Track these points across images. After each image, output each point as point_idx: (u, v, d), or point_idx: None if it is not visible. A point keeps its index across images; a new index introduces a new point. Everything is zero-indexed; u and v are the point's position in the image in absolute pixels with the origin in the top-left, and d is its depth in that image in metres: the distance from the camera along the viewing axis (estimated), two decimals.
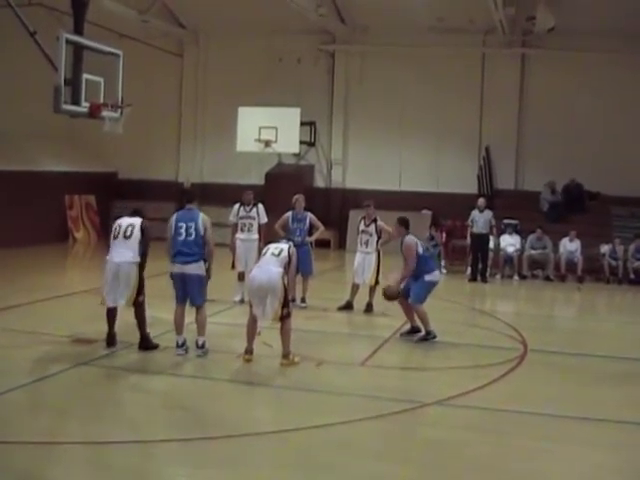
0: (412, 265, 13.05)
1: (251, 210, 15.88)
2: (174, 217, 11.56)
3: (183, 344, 11.45)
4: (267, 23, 26.42)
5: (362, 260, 15.51)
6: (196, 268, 11.38)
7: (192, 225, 11.37)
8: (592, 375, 11.57)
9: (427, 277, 13.08)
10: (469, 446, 8.37)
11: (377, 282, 15.37)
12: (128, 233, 11.55)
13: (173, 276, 11.48)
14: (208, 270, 11.56)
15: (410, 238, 13.28)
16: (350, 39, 27.45)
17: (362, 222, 15.63)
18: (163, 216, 28.20)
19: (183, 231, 11.37)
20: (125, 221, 11.74)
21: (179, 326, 11.51)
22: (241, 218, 15.88)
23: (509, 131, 26.28)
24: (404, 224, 13.46)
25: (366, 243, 15.49)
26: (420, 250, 13.21)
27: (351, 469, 7.73)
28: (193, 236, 11.35)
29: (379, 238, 15.40)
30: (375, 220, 15.47)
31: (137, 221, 11.66)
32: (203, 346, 11.47)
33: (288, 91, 26.52)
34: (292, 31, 26.69)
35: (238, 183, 23.16)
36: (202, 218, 11.48)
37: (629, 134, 25.00)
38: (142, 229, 11.51)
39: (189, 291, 11.42)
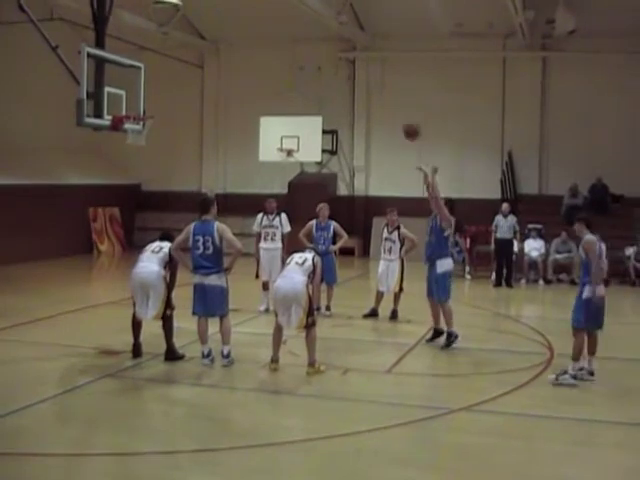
0: (446, 214, 13.09)
1: (274, 219, 15.90)
2: (192, 227, 11.55)
3: (209, 354, 11.48)
4: (287, 32, 26.49)
5: (386, 267, 15.49)
6: (216, 279, 11.40)
7: (209, 239, 11.34)
8: (619, 378, 11.48)
9: (439, 269, 13.04)
10: (497, 452, 8.35)
11: (401, 289, 15.37)
12: (156, 250, 11.69)
13: (195, 286, 11.52)
14: (230, 265, 11.54)
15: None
16: (370, 46, 27.43)
17: (385, 229, 15.62)
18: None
19: (200, 244, 11.37)
20: (155, 243, 11.90)
21: (203, 336, 11.53)
22: (264, 227, 15.91)
23: (531, 135, 26.18)
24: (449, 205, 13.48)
25: (389, 250, 15.46)
26: (448, 231, 13.25)
27: (380, 476, 7.73)
28: (211, 250, 11.36)
29: (402, 245, 15.38)
30: (398, 227, 15.45)
31: (166, 244, 11.79)
32: (228, 355, 11.49)
33: (309, 100, 26.53)
34: (312, 39, 26.72)
35: (261, 193, 23.17)
36: (217, 229, 11.42)
37: None
38: (171, 254, 11.59)
39: (208, 302, 11.43)
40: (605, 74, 24.97)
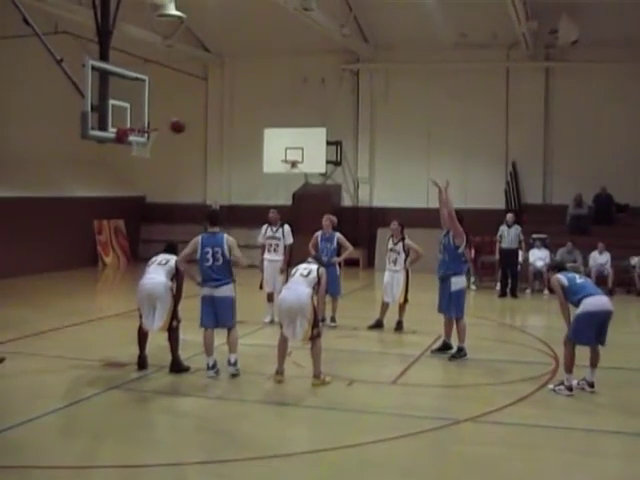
0: (459, 229, 13.00)
1: (277, 231, 15.94)
2: (199, 240, 11.55)
3: (214, 366, 11.47)
4: (291, 44, 26.57)
5: (391, 278, 15.48)
6: (226, 290, 11.42)
7: (219, 250, 11.36)
8: (624, 388, 11.49)
9: (453, 287, 13.01)
10: (503, 462, 8.33)
11: (406, 300, 15.35)
12: (163, 262, 11.72)
13: (203, 298, 11.52)
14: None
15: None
16: (374, 57, 27.52)
17: (391, 240, 15.62)
18: (191, 239, 28.46)
19: (210, 256, 11.37)
20: (161, 255, 11.92)
21: (209, 348, 11.51)
22: (268, 238, 15.96)
23: (535, 145, 26.21)
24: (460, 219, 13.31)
25: (394, 261, 15.45)
26: (462, 247, 13.22)
27: None
28: (220, 261, 11.37)
29: (407, 257, 15.36)
30: (403, 239, 15.44)
31: (173, 257, 11.82)
32: (235, 363, 11.50)
33: (313, 111, 26.61)
34: (316, 51, 26.80)
35: (266, 204, 23.20)
36: (227, 241, 11.44)
37: None
38: (177, 267, 11.62)
39: (219, 313, 11.42)
40: (608, 83, 25.01)
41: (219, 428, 9.50)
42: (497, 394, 10.95)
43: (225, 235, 11.54)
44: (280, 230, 15.93)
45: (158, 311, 11.39)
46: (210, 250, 11.38)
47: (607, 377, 11.29)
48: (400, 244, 15.40)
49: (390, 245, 15.57)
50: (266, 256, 15.89)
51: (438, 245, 13.41)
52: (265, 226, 16.10)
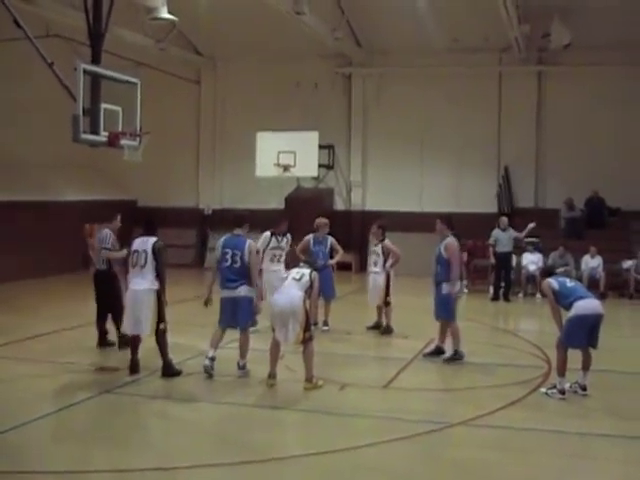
0: (457, 268, 13.00)
1: (282, 241, 15.29)
2: (221, 241, 11.74)
3: (213, 359, 11.52)
4: (283, 48, 26.54)
5: (373, 280, 15.46)
6: (246, 291, 11.52)
7: (238, 253, 11.47)
8: (616, 391, 11.50)
9: (444, 290, 13.00)
10: (496, 466, 8.32)
11: (387, 303, 15.29)
12: (142, 262, 11.60)
13: (223, 301, 11.60)
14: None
15: (453, 239, 13.20)
16: (366, 61, 27.53)
17: (372, 242, 15.65)
18: (184, 243, 28.29)
19: (229, 257, 11.50)
20: (139, 246, 11.77)
21: (214, 343, 11.61)
22: (272, 249, 15.16)
23: (528, 149, 26.22)
24: (446, 221, 13.36)
25: (374, 263, 15.45)
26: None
27: None
28: (238, 264, 11.47)
29: (386, 259, 15.29)
30: (382, 240, 15.39)
31: (149, 245, 11.68)
32: (244, 367, 11.69)
33: (306, 115, 26.55)
34: (308, 55, 26.78)
35: (258, 208, 23.16)
36: (249, 246, 11.54)
37: None
38: (154, 252, 11.54)
39: (238, 314, 11.51)
40: (601, 87, 25.01)
41: (211, 432, 9.49)
42: (489, 397, 10.95)
43: (249, 241, 11.65)
44: (284, 240, 15.33)
45: (144, 317, 11.38)
46: (230, 251, 11.52)
47: (599, 380, 11.29)
48: (379, 246, 15.37)
49: (372, 247, 15.60)
50: (270, 267, 14.97)
51: (432, 256, 13.39)
52: (268, 234, 15.23)
